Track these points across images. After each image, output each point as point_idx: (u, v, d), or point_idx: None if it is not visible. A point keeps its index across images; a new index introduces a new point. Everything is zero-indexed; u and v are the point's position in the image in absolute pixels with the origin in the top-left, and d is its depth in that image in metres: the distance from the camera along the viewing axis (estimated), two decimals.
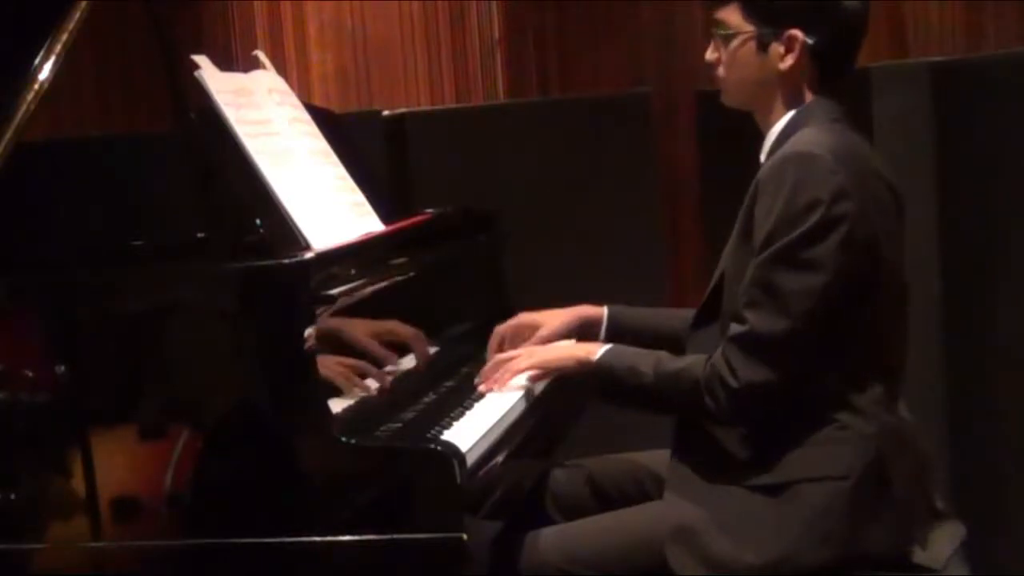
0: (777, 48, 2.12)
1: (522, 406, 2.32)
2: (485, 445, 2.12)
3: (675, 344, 2.26)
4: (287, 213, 2.27)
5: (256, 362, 2.02)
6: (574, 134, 3.58)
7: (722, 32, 2.16)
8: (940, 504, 2.17)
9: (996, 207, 2.95)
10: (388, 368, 2.32)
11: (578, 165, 3.57)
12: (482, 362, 2.44)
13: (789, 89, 2.14)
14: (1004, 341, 2.95)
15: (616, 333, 2.44)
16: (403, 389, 2.33)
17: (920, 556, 2.07)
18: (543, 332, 2.48)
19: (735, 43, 2.15)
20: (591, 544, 2.14)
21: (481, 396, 2.33)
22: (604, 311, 2.50)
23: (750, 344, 2.01)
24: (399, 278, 2.38)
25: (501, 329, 2.54)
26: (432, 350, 2.48)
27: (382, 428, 2.16)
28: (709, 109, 3.46)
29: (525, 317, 2.54)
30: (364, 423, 2.12)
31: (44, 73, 2.21)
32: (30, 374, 2.06)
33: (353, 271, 2.19)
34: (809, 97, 2.14)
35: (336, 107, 3.60)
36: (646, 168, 3.62)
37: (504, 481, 2.34)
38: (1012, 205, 2.91)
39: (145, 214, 3.02)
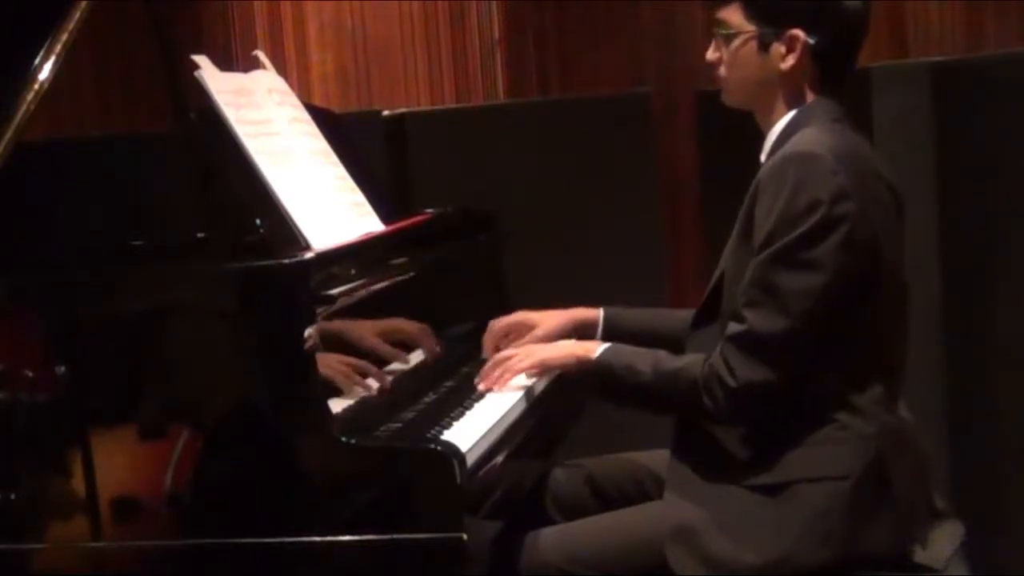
0: (778, 48, 2.12)
1: (522, 406, 2.32)
2: (485, 445, 2.12)
3: (672, 345, 2.26)
4: (287, 213, 2.27)
5: (256, 362, 2.02)
6: (574, 134, 3.58)
7: (723, 32, 2.16)
8: (940, 504, 2.17)
9: (996, 207, 2.96)
10: (394, 366, 2.32)
11: (578, 165, 3.57)
12: (482, 362, 2.44)
13: (790, 89, 2.14)
14: (1004, 341, 2.95)
15: (612, 335, 2.44)
16: (403, 389, 2.33)
17: (920, 556, 2.07)
18: (538, 332, 2.48)
19: (736, 43, 2.15)
20: (591, 544, 2.14)
21: (481, 396, 2.33)
22: (600, 313, 2.51)
23: (749, 344, 2.01)
24: (399, 278, 2.38)
25: (497, 323, 2.54)
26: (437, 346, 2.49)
27: (382, 428, 2.16)
28: (709, 109, 3.46)
29: (521, 316, 2.55)
30: (364, 423, 2.12)
31: (44, 73, 2.21)
32: (30, 374, 2.06)
33: (353, 271, 2.19)
34: (810, 97, 2.14)
35: (336, 107, 3.60)
36: (646, 168, 3.62)
37: (504, 481, 2.33)
38: (1012, 205, 2.91)
39: (145, 214, 3.02)
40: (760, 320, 2.01)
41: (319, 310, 2.03)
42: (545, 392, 2.41)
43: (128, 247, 2.55)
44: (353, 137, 2.75)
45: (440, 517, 1.92)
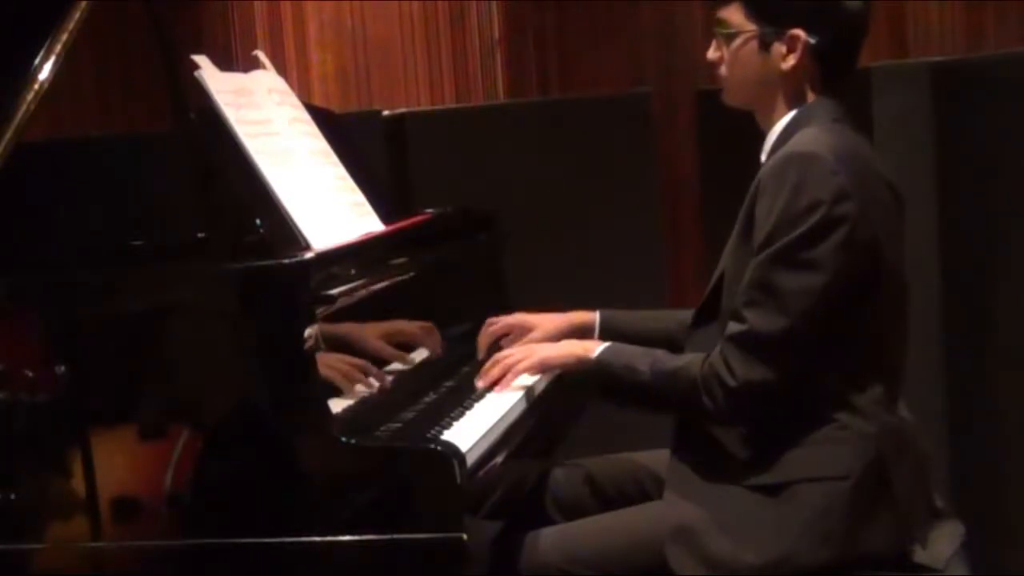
0: (779, 48, 2.12)
1: (522, 406, 2.32)
2: (485, 445, 2.12)
3: (670, 345, 2.26)
4: (287, 213, 2.27)
5: (256, 362, 2.02)
6: (574, 134, 3.58)
7: (724, 31, 2.16)
8: (940, 504, 2.17)
9: (996, 207, 2.96)
10: (394, 366, 2.32)
11: (578, 165, 3.56)
12: (481, 362, 2.44)
13: (791, 89, 2.14)
14: (1004, 341, 2.96)
15: (609, 338, 2.43)
16: (403, 389, 2.33)
17: (920, 556, 2.07)
18: (536, 334, 2.49)
19: (737, 42, 2.15)
20: (591, 544, 2.14)
21: (481, 396, 2.33)
22: (596, 316, 2.51)
23: (748, 343, 2.01)
24: (399, 278, 2.38)
25: (493, 322, 2.54)
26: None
27: (382, 428, 2.16)
28: (709, 109, 3.46)
29: (519, 318, 2.55)
30: (364, 423, 2.12)
31: (44, 73, 2.21)
32: (30, 374, 2.06)
33: (353, 271, 2.19)
34: (811, 97, 2.14)
35: (336, 107, 3.60)
36: (646, 168, 3.62)
37: (504, 481, 2.34)
38: (1012, 205, 2.91)
39: (145, 214, 3.02)
40: (760, 320, 2.00)
41: (319, 310, 2.03)
42: (545, 392, 2.41)
43: (128, 247, 2.55)
44: (353, 137, 2.75)
45: (440, 517, 1.92)
